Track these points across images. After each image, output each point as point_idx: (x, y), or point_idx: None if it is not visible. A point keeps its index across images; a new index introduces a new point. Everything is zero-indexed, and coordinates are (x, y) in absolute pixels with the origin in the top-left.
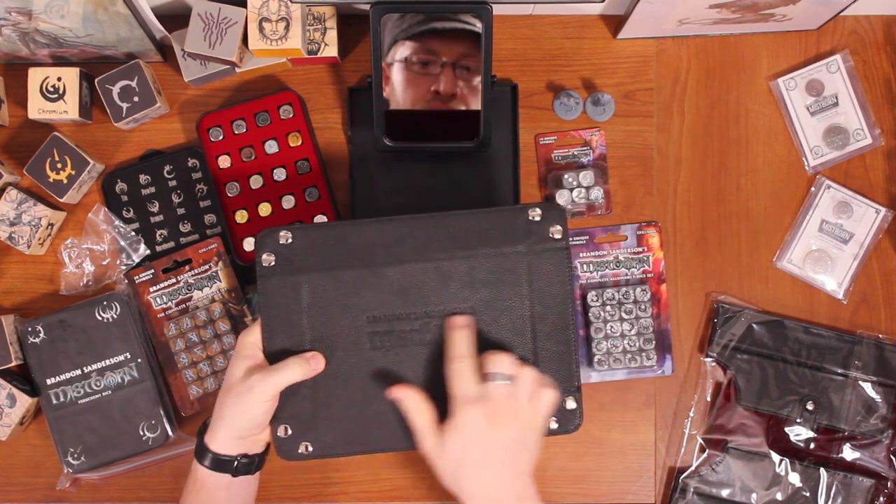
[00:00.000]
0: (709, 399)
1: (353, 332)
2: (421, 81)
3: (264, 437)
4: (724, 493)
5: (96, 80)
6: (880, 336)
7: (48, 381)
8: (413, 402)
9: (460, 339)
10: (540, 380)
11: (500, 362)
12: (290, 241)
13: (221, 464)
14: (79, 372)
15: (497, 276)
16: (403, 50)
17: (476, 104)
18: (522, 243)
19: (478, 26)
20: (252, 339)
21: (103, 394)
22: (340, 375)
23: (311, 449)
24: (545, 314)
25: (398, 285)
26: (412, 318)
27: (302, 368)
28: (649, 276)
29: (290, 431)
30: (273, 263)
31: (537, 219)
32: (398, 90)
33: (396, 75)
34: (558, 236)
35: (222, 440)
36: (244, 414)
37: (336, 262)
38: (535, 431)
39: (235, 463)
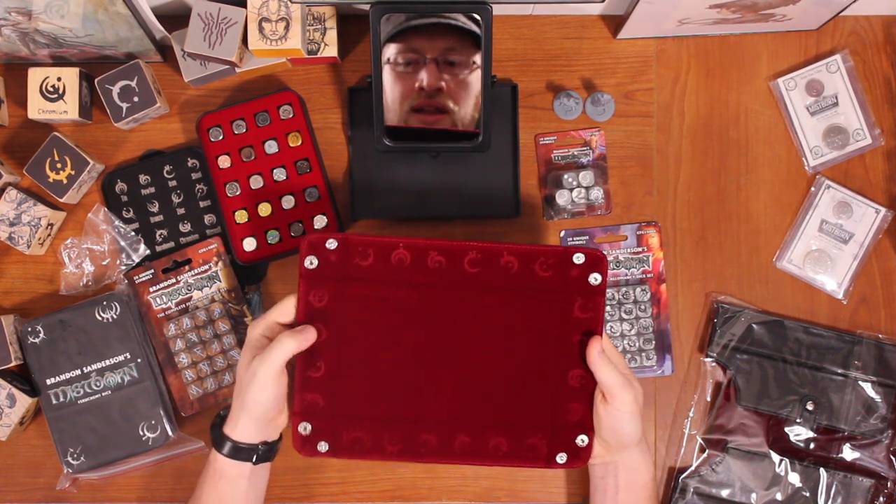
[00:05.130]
0: (709, 399)
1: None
2: (406, 79)
3: (282, 421)
4: (724, 493)
5: (96, 80)
6: (880, 336)
7: (48, 381)
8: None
9: (607, 360)
10: None
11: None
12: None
13: (242, 452)
14: (79, 372)
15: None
16: (388, 52)
17: (464, 98)
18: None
19: (459, 20)
20: (258, 332)
21: (103, 394)
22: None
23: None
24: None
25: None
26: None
27: (295, 340)
28: (649, 276)
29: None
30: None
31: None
32: (386, 91)
33: (385, 77)
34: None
35: (241, 429)
36: (256, 400)
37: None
38: None
39: (257, 450)
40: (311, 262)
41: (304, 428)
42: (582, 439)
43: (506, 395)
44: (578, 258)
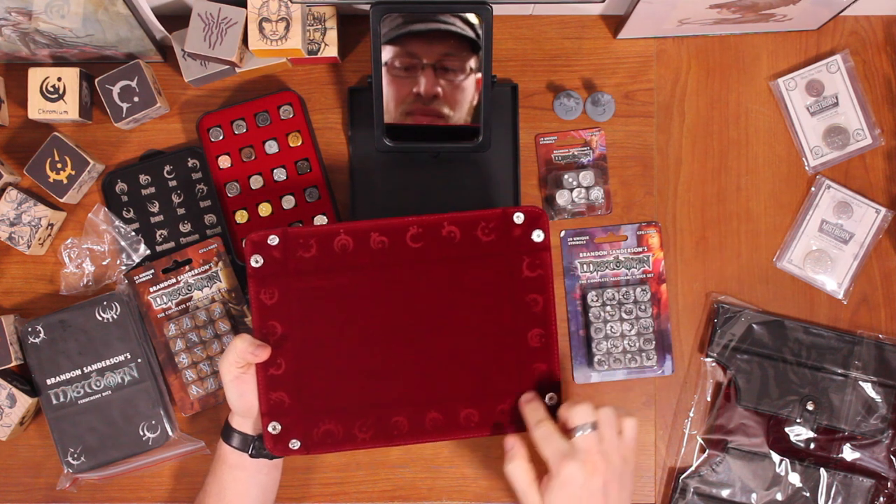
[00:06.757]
0: (709, 399)
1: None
2: (402, 84)
3: None
4: (725, 493)
5: (96, 80)
6: (880, 336)
7: (48, 382)
8: (518, 461)
9: (532, 409)
10: (617, 413)
11: (579, 414)
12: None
13: (243, 440)
14: (79, 372)
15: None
16: (385, 54)
17: (460, 103)
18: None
19: (458, 26)
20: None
21: (103, 394)
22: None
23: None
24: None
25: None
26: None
27: (243, 340)
28: (649, 276)
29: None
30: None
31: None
32: (383, 94)
33: (382, 79)
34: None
35: (237, 422)
36: (229, 398)
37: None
38: (628, 464)
39: (254, 442)
40: (256, 260)
41: (274, 427)
42: (551, 397)
43: (470, 366)
44: (518, 217)
